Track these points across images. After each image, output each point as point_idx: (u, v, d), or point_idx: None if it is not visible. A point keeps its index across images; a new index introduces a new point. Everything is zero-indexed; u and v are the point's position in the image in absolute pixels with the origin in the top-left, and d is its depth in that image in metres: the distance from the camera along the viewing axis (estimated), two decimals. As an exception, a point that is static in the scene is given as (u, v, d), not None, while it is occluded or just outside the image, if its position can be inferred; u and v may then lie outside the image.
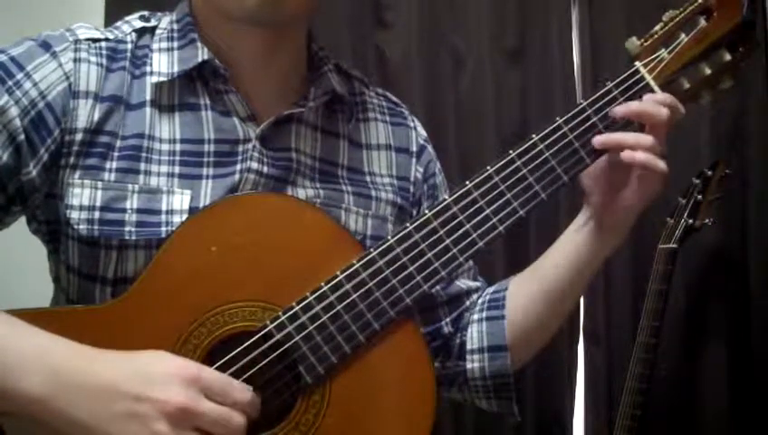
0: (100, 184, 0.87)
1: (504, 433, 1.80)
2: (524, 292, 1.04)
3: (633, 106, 0.92)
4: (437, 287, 1.02)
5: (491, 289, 1.09)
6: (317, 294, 0.84)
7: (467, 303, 1.08)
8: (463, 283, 1.08)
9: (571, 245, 1.01)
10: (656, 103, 0.92)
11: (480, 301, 1.08)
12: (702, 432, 1.78)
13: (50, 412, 0.74)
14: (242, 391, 0.79)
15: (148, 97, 0.91)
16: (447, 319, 1.07)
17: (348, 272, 0.85)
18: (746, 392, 1.75)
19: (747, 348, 1.76)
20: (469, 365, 1.04)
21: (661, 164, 0.91)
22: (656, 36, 0.94)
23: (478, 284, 1.11)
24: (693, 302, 1.79)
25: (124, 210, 0.87)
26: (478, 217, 0.89)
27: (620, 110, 0.92)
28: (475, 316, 1.06)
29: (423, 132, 1.11)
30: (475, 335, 1.05)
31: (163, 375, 0.75)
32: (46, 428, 0.75)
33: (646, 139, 0.91)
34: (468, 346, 1.05)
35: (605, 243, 0.99)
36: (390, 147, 1.05)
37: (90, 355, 0.77)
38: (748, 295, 1.76)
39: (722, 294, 1.79)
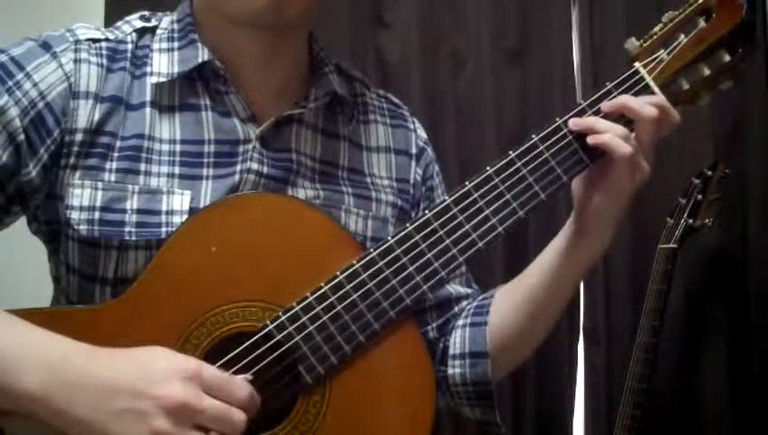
0: (100, 184, 0.88)
1: (505, 433, 1.79)
2: (509, 299, 1.03)
3: (619, 99, 0.92)
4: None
5: (481, 296, 1.09)
6: (317, 294, 0.85)
7: (455, 309, 1.08)
8: (453, 288, 1.08)
9: (553, 250, 1.00)
10: (642, 101, 0.91)
11: (467, 307, 1.07)
12: (702, 432, 1.77)
13: (49, 410, 0.74)
14: (242, 387, 0.78)
15: (148, 97, 0.91)
16: (434, 324, 1.06)
17: (348, 272, 0.85)
18: (746, 392, 1.75)
19: (747, 348, 1.75)
20: (450, 371, 1.04)
21: (624, 148, 0.89)
22: (655, 37, 0.94)
23: (470, 291, 1.10)
24: (693, 302, 1.79)
25: (124, 211, 0.87)
26: (478, 218, 0.89)
27: (607, 104, 0.92)
28: (460, 322, 1.06)
29: (423, 134, 1.11)
30: (457, 341, 1.04)
31: (163, 371, 0.75)
32: (46, 426, 0.75)
33: (618, 127, 0.90)
34: (450, 351, 1.04)
35: (581, 249, 0.97)
36: (390, 149, 1.05)
37: (88, 352, 0.77)
38: (748, 295, 1.76)
39: (722, 294, 1.79)
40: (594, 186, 0.94)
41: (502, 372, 1.04)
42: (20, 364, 0.74)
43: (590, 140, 0.91)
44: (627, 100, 0.92)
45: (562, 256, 0.99)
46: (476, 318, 1.04)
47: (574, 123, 0.92)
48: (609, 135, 0.90)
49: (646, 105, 0.91)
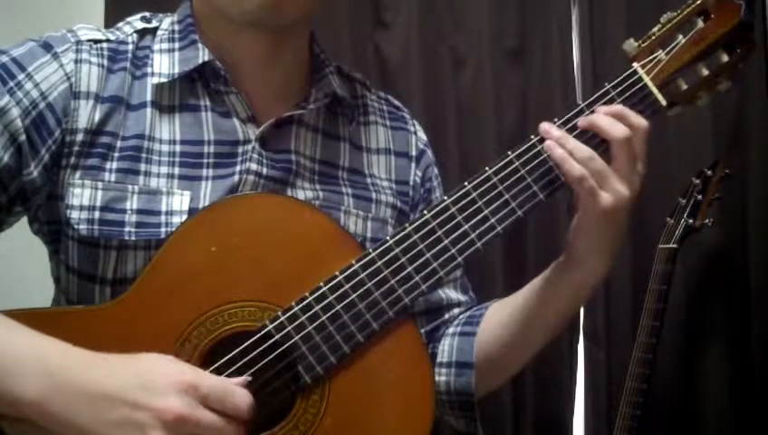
0: (100, 184, 0.88)
1: (505, 433, 1.80)
2: (499, 314, 1.02)
3: (590, 117, 0.90)
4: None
5: (476, 307, 1.07)
6: (316, 294, 0.85)
7: (446, 316, 1.07)
8: (445, 293, 1.07)
9: (542, 278, 0.99)
10: (611, 118, 0.89)
11: (460, 316, 1.06)
12: (702, 432, 1.77)
13: (47, 416, 0.74)
14: (241, 397, 0.78)
15: (148, 98, 0.92)
16: (422, 330, 1.05)
17: (347, 272, 0.86)
18: (746, 392, 1.75)
19: (747, 348, 1.75)
20: (436, 378, 1.02)
21: (575, 171, 0.87)
22: (653, 38, 0.94)
23: (464, 298, 1.09)
24: (693, 302, 1.79)
25: (124, 211, 0.87)
26: (477, 218, 0.89)
27: (581, 122, 0.91)
28: (450, 330, 1.05)
29: (423, 137, 1.11)
30: (446, 349, 1.03)
31: (161, 383, 0.75)
32: (45, 431, 0.75)
33: (581, 148, 0.88)
34: (438, 359, 1.03)
35: (566, 280, 0.95)
36: (390, 151, 1.05)
37: (87, 359, 0.76)
38: (748, 295, 1.76)
39: (722, 294, 1.79)
40: (576, 213, 0.93)
41: (485, 386, 1.02)
42: (18, 370, 0.74)
43: (549, 152, 0.89)
44: (596, 118, 0.90)
45: (547, 286, 0.97)
46: (467, 328, 1.03)
47: (544, 131, 0.90)
48: (561, 152, 0.88)
49: (613, 123, 0.88)
